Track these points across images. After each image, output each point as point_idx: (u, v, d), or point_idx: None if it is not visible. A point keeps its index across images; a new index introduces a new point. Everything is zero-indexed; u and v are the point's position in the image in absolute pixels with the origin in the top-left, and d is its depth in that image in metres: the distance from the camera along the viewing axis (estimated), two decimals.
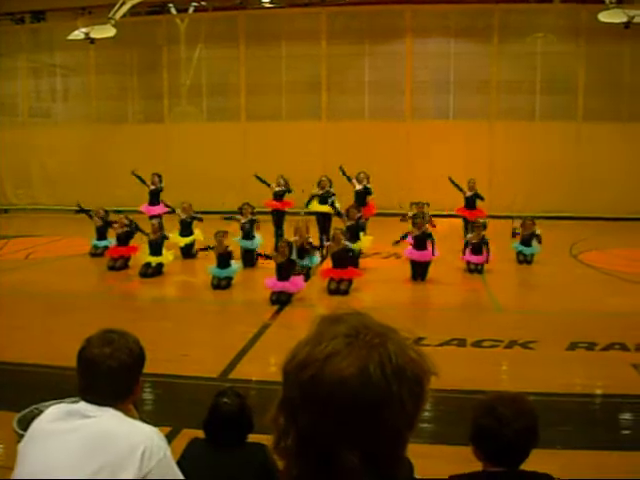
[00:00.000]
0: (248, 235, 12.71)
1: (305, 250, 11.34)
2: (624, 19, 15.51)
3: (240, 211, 12.89)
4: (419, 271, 11.53)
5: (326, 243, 11.87)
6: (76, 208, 14.17)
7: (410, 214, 13.54)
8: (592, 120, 18.52)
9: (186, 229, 13.56)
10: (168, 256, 12.37)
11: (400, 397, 1.08)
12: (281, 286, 10.01)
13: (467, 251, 12.18)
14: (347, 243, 11.02)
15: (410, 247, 11.70)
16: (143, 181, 14.82)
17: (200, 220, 13.61)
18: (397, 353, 1.10)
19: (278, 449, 1.14)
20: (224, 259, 11.08)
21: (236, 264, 11.42)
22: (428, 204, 14.57)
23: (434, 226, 12.73)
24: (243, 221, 12.75)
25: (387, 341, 1.11)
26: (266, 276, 10.34)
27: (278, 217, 14.33)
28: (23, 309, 9.92)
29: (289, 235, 12.26)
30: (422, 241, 11.51)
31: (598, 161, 18.24)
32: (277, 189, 14.21)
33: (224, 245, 11.11)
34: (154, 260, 12.13)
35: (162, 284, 11.98)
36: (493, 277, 11.81)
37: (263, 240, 12.96)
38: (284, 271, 10.03)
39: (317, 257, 11.88)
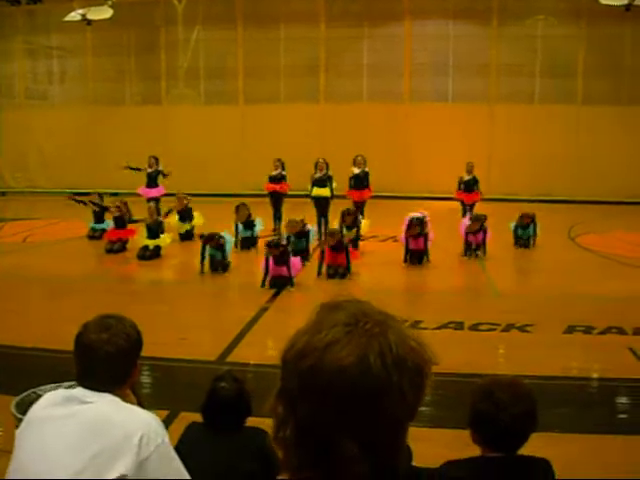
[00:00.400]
0: (249, 225, 12.77)
1: (302, 234, 11.40)
2: (625, 1, 15.42)
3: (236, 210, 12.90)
4: (415, 255, 11.60)
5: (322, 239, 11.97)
6: (70, 195, 14.17)
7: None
8: (592, 103, 18.47)
9: (185, 215, 13.59)
10: (166, 239, 12.38)
11: (400, 387, 1.07)
12: (279, 270, 10.00)
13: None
14: (343, 234, 11.16)
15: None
16: (138, 169, 14.81)
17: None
18: (397, 343, 1.08)
19: (277, 439, 1.13)
20: (218, 246, 11.09)
21: (230, 243, 11.39)
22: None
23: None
24: (241, 221, 12.78)
25: (387, 330, 1.09)
26: (263, 259, 10.31)
27: (276, 200, 14.31)
28: (21, 292, 9.92)
29: (288, 217, 12.30)
30: (418, 234, 11.58)
31: (598, 145, 18.21)
32: (274, 172, 14.19)
33: (217, 239, 11.02)
34: (152, 243, 12.14)
35: (160, 267, 11.99)
36: (491, 261, 11.81)
37: (263, 226, 13.00)
38: (280, 258, 10.00)
39: (313, 231, 11.90)
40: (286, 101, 20.08)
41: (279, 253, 9.96)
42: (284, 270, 9.94)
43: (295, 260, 10.25)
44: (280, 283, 9.91)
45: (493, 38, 19.05)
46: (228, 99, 20.48)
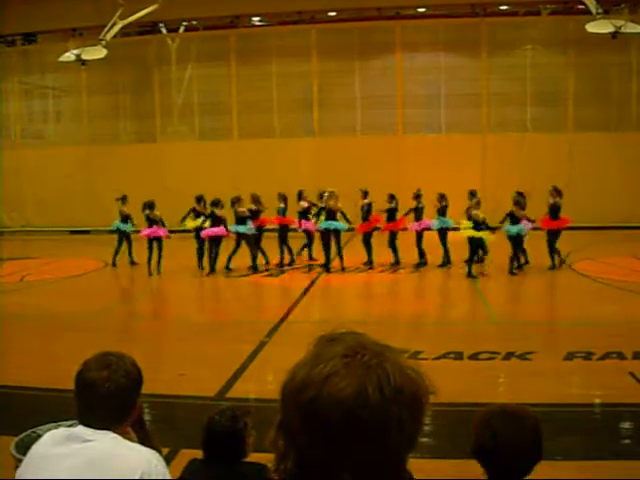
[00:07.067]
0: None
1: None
2: (611, 29, 15.64)
3: None
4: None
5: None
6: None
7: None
8: (583, 130, 18.64)
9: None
10: None
11: (399, 417, 1.07)
12: (149, 232, 13.00)
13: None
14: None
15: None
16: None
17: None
18: (395, 373, 1.09)
19: (278, 472, 1.13)
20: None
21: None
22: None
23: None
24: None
25: (385, 361, 1.10)
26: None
27: (284, 232, 14.39)
28: (19, 332, 9.87)
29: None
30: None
31: (590, 171, 18.34)
32: (282, 205, 14.47)
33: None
34: None
35: (157, 302, 11.97)
36: (489, 289, 11.83)
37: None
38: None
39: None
40: (280, 135, 20.23)
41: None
42: (154, 231, 13.16)
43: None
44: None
45: (483, 69, 19.29)
46: (222, 135, 20.63)
